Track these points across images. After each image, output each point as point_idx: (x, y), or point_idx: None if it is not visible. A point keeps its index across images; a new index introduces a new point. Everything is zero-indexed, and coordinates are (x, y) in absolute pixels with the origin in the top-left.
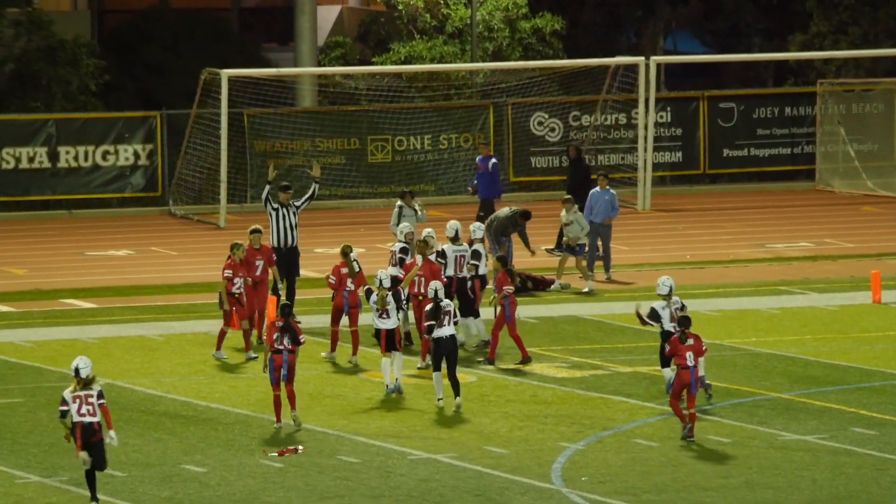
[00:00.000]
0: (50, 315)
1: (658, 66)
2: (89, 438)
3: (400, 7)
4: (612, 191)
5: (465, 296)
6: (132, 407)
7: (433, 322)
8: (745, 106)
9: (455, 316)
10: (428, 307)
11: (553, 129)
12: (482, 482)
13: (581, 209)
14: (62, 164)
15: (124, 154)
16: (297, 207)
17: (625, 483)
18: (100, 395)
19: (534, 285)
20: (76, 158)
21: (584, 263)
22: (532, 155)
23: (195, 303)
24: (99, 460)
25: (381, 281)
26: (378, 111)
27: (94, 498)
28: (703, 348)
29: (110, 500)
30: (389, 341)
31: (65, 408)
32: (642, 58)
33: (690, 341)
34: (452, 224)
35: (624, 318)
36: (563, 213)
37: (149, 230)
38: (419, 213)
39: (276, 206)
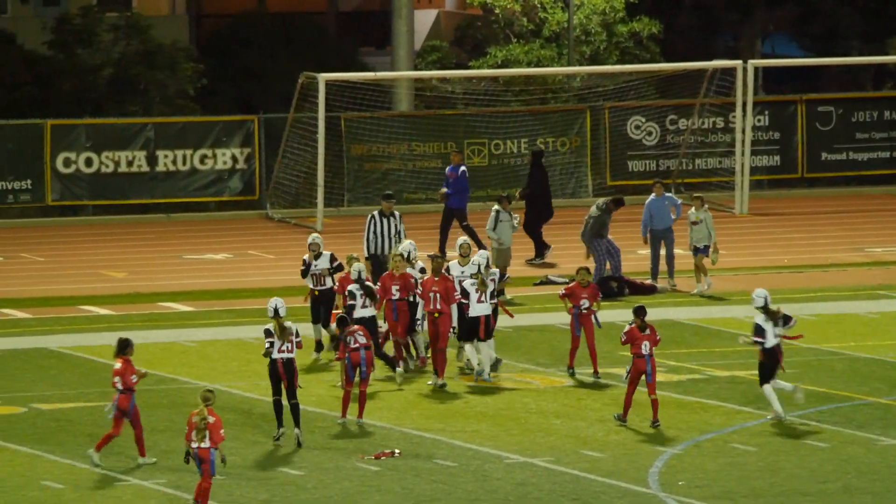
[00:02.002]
0: (148, 318)
1: (756, 69)
2: (291, 374)
3: (497, 11)
4: (668, 194)
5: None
6: (230, 409)
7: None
8: (843, 109)
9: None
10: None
11: (650, 133)
12: (578, 486)
13: (542, 213)
14: (160, 167)
15: (222, 158)
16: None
17: (722, 488)
18: (297, 334)
19: (631, 290)
20: (174, 162)
21: (704, 263)
22: (629, 159)
23: (292, 306)
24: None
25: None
26: (474, 115)
27: (290, 425)
28: (658, 338)
29: (208, 502)
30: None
31: (270, 340)
32: (739, 61)
33: (647, 331)
34: (463, 240)
35: (721, 322)
36: (693, 210)
37: (246, 234)
38: (514, 218)
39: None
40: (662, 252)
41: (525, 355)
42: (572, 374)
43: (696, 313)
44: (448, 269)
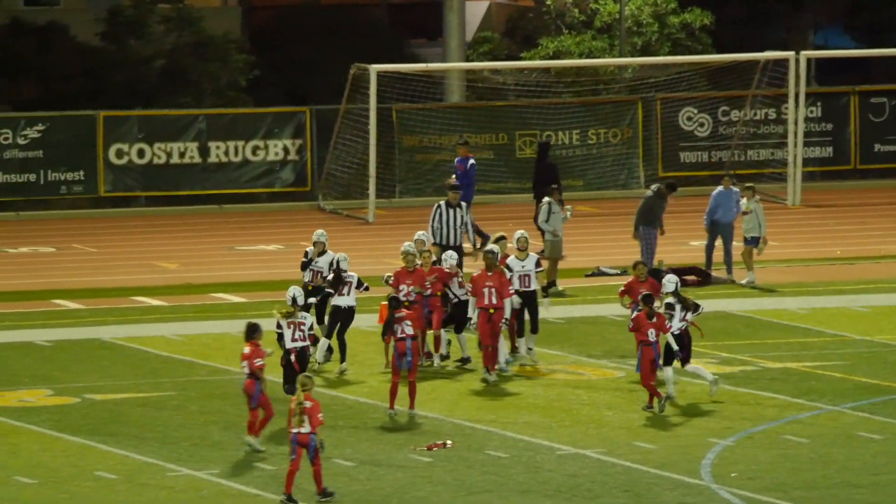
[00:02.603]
0: (200, 309)
1: (808, 60)
2: (305, 360)
3: (548, 2)
4: (735, 189)
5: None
6: (282, 401)
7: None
8: None
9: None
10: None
11: (702, 125)
12: (630, 477)
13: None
14: (212, 159)
15: (274, 149)
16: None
17: (774, 479)
18: (311, 327)
19: (701, 278)
20: (226, 153)
21: (753, 254)
22: (681, 150)
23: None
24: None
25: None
26: (526, 106)
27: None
28: (667, 326)
29: (260, 493)
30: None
31: (280, 331)
32: (792, 52)
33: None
34: (522, 234)
35: (773, 314)
36: (745, 201)
37: (298, 225)
38: (567, 209)
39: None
40: (718, 243)
41: (577, 347)
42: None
43: (747, 305)
44: (508, 266)
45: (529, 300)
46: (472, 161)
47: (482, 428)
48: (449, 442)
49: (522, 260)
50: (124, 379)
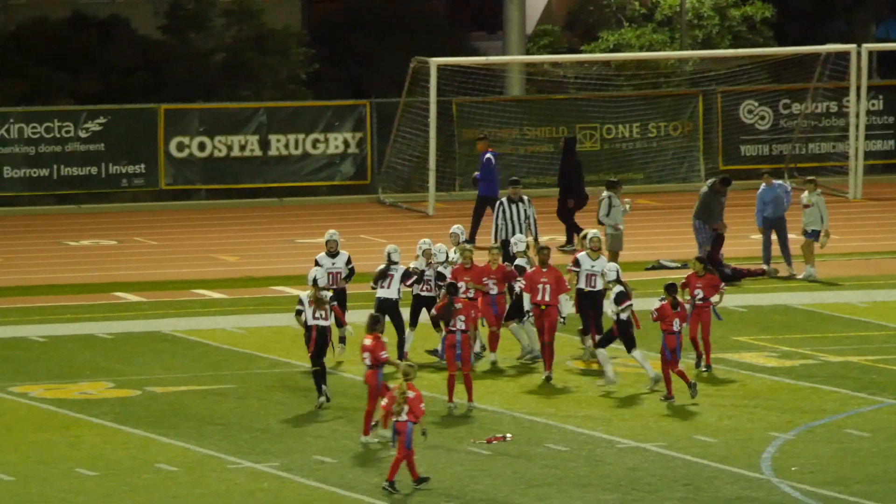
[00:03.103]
0: (261, 302)
1: (869, 53)
2: (324, 339)
3: None
4: (779, 182)
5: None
6: (341, 394)
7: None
8: None
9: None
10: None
11: (763, 118)
12: (691, 471)
13: (575, 204)
14: (273, 152)
15: (334, 142)
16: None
17: (835, 473)
18: (331, 300)
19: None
20: (286, 146)
21: (814, 248)
22: (742, 143)
23: (405, 290)
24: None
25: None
26: (586, 99)
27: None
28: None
29: (319, 485)
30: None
31: (300, 307)
32: (853, 45)
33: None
34: (595, 233)
35: (834, 307)
36: (806, 194)
37: (358, 218)
38: (626, 203)
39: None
40: (774, 238)
41: (637, 340)
42: (698, 366)
43: (808, 298)
44: (577, 262)
45: (594, 300)
46: (487, 155)
47: (542, 421)
48: (509, 435)
49: (594, 260)
50: (185, 371)
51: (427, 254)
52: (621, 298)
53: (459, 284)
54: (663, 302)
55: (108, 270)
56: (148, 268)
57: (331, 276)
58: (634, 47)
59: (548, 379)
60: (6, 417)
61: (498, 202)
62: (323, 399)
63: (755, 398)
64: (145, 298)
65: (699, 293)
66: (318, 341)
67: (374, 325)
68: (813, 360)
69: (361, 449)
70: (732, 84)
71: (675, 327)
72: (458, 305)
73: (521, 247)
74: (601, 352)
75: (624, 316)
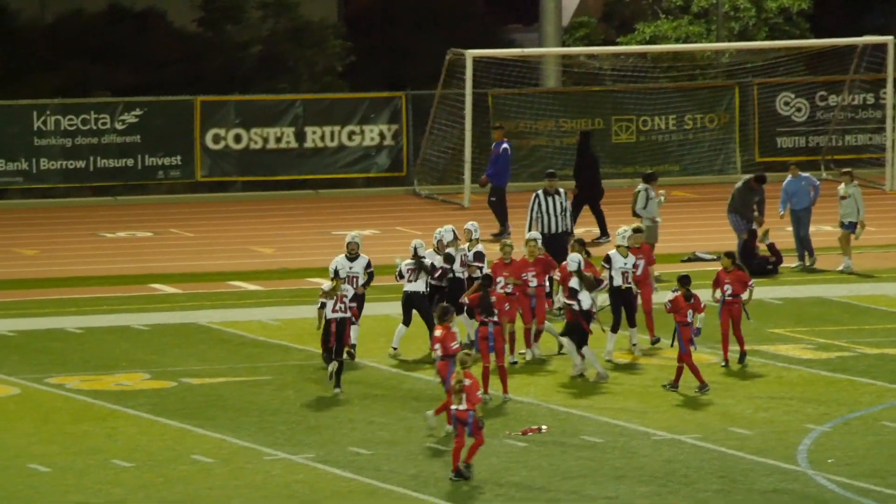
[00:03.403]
0: (297, 294)
1: None
2: (343, 331)
3: None
4: (804, 175)
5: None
6: (378, 385)
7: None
8: None
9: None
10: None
11: (799, 109)
12: (726, 463)
13: (584, 196)
14: (308, 144)
15: (370, 134)
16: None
17: (871, 466)
18: (352, 299)
19: (775, 263)
20: (322, 139)
21: (850, 240)
22: (778, 135)
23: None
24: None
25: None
26: (622, 91)
27: (338, 384)
28: (702, 307)
29: (355, 477)
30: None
31: (324, 299)
32: (890, 37)
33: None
34: (624, 231)
35: (870, 300)
36: (842, 186)
37: (394, 210)
38: (661, 195)
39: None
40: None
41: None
42: (726, 364)
43: (844, 290)
44: (609, 259)
45: (627, 296)
46: (504, 145)
47: (577, 413)
48: (544, 427)
49: (625, 256)
50: (221, 363)
51: (441, 244)
52: (573, 294)
53: (498, 279)
54: (676, 293)
55: (144, 262)
56: (184, 259)
57: (348, 279)
58: (671, 39)
59: (580, 375)
60: (42, 409)
61: (534, 194)
62: (339, 391)
63: (791, 390)
64: (181, 290)
65: (728, 288)
66: (337, 333)
67: (444, 316)
68: (849, 352)
69: (399, 440)
70: (769, 76)
71: (689, 318)
72: (493, 298)
73: (477, 234)
74: (587, 352)
75: (585, 307)
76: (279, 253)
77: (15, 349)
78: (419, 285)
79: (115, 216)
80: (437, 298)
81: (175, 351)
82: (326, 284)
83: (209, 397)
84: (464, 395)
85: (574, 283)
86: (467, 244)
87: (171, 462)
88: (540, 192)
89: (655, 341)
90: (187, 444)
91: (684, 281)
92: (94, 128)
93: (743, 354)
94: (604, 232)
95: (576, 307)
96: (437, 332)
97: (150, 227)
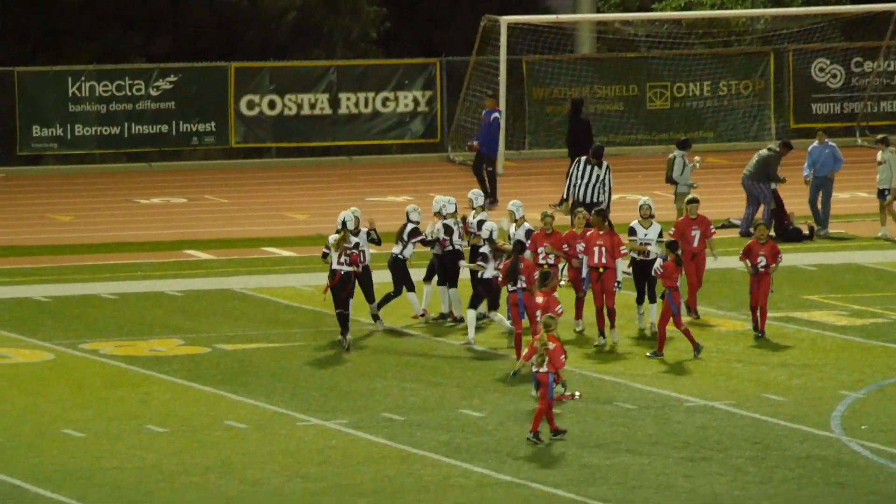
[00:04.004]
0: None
1: None
2: (345, 284)
3: None
4: (831, 143)
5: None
6: (410, 352)
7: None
8: None
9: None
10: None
11: (835, 76)
12: (760, 430)
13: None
14: (343, 110)
15: (404, 101)
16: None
17: None
18: (356, 246)
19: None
20: (356, 105)
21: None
22: (813, 102)
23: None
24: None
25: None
26: (657, 58)
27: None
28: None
29: (388, 443)
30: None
31: (326, 250)
32: None
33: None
34: (646, 202)
35: None
36: (880, 154)
37: (427, 176)
38: (697, 160)
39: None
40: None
41: (705, 299)
42: (758, 334)
43: (879, 257)
44: (633, 230)
45: (646, 268)
46: (495, 114)
47: (610, 379)
48: (577, 393)
49: (646, 228)
50: (255, 329)
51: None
52: (484, 259)
53: (539, 250)
54: (666, 260)
55: (178, 228)
56: (218, 226)
57: (349, 255)
58: (706, 5)
59: (601, 346)
60: (77, 374)
61: (576, 161)
62: (348, 340)
63: (825, 357)
64: (215, 256)
65: (762, 260)
66: (339, 285)
67: (544, 281)
68: (883, 318)
69: (432, 407)
70: (804, 42)
71: (679, 284)
72: (521, 265)
73: (480, 202)
74: (470, 313)
75: (488, 275)
76: (313, 219)
77: (49, 315)
78: (396, 248)
79: (149, 182)
80: (436, 268)
81: (209, 317)
82: (332, 237)
83: (243, 363)
84: (546, 358)
85: (486, 249)
86: (512, 224)
87: (204, 428)
88: (582, 159)
89: (696, 318)
90: (221, 410)
91: (673, 246)
92: (129, 94)
93: (761, 331)
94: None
95: (484, 275)
96: (539, 299)
97: (184, 193)
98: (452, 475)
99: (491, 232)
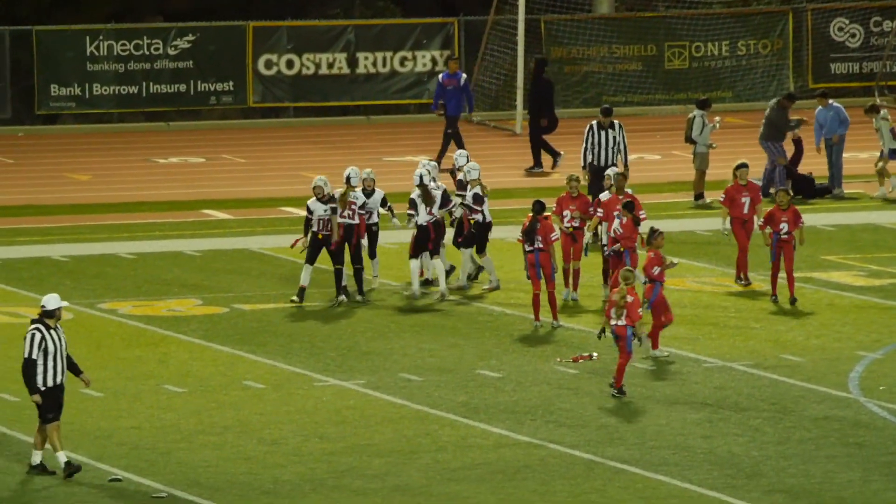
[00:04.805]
0: None
1: None
2: (350, 238)
3: None
4: (835, 105)
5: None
6: (428, 312)
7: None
8: None
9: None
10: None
11: (854, 35)
12: (777, 390)
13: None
14: (360, 70)
15: (422, 60)
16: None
17: None
18: (362, 206)
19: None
20: (374, 64)
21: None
22: (831, 61)
23: (493, 208)
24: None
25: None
26: (675, 17)
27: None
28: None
29: (406, 403)
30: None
31: (333, 205)
32: None
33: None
34: (612, 171)
35: None
36: (874, 121)
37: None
38: (717, 120)
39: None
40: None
41: (724, 259)
42: (792, 303)
43: None
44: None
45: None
46: (464, 75)
47: None
48: (595, 354)
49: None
50: (272, 289)
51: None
52: (412, 206)
53: (565, 213)
54: (625, 220)
55: (196, 188)
56: (236, 185)
57: (321, 222)
58: None
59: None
60: (95, 334)
61: (588, 126)
62: (342, 298)
63: (843, 317)
64: (233, 216)
65: (784, 227)
66: (346, 239)
67: (652, 238)
68: None
69: (450, 367)
70: (823, 1)
71: (638, 244)
72: (538, 225)
73: (475, 174)
74: (413, 262)
75: (421, 221)
76: (331, 179)
77: (68, 275)
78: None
79: (167, 142)
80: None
81: (227, 277)
82: (338, 191)
83: (261, 323)
84: (624, 311)
85: (414, 194)
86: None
87: (222, 387)
88: (594, 123)
89: (746, 284)
90: (239, 370)
91: (629, 206)
92: (147, 53)
93: (794, 298)
94: (537, 163)
95: (417, 221)
96: (651, 254)
97: (202, 152)
98: (470, 435)
99: (420, 177)
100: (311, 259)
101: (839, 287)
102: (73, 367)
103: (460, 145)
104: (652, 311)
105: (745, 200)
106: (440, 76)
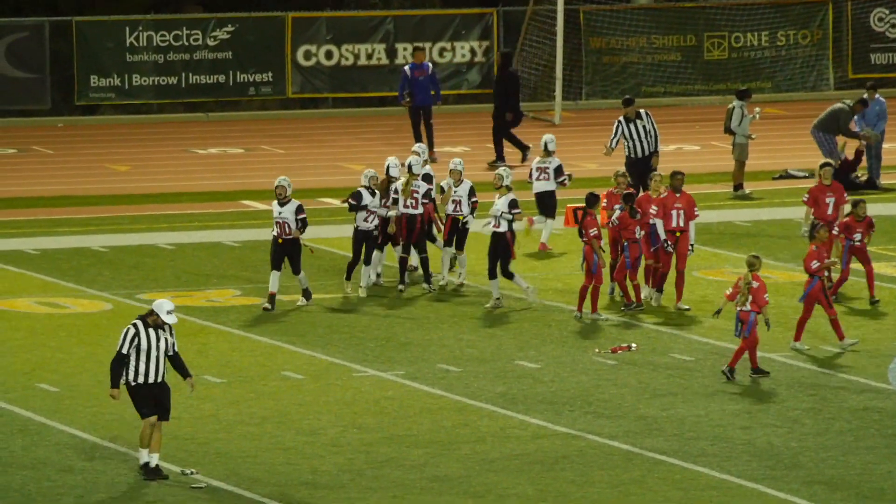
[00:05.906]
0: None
1: None
2: (413, 227)
3: None
4: (881, 99)
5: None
6: (466, 303)
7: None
8: None
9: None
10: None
11: (894, 25)
12: (817, 381)
13: (510, 119)
14: (399, 60)
15: (461, 51)
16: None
17: None
18: (425, 195)
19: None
20: (413, 55)
21: None
22: (871, 52)
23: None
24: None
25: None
26: (715, 7)
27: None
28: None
29: (444, 394)
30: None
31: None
32: None
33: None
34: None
35: None
36: None
37: (484, 127)
38: (757, 110)
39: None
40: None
41: (764, 250)
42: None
43: None
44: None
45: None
46: (431, 65)
47: (667, 331)
48: (634, 345)
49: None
50: (311, 280)
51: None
52: (355, 196)
53: (615, 208)
54: (622, 211)
55: (235, 178)
56: (274, 176)
57: (278, 225)
58: None
59: (686, 309)
60: None
61: (616, 121)
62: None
63: (883, 308)
64: (271, 207)
65: (858, 236)
66: (408, 229)
67: (815, 232)
68: None
69: (488, 358)
70: None
71: (637, 234)
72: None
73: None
74: (375, 254)
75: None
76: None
77: (107, 265)
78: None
79: (206, 132)
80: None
81: (265, 267)
82: (400, 182)
83: (299, 314)
84: (750, 297)
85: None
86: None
87: (261, 378)
88: (621, 118)
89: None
90: (278, 361)
91: (628, 199)
92: (186, 44)
93: (875, 300)
94: (499, 157)
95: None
96: (813, 248)
97: (241, 143)
98: (509, 426)
99: (397, 168)
100: (276, 265)
101: (879, 278)
102: (180, 370)
103: (420, 139)
104: (804, 304)
105: (830, 201)
106: (406, 67)
